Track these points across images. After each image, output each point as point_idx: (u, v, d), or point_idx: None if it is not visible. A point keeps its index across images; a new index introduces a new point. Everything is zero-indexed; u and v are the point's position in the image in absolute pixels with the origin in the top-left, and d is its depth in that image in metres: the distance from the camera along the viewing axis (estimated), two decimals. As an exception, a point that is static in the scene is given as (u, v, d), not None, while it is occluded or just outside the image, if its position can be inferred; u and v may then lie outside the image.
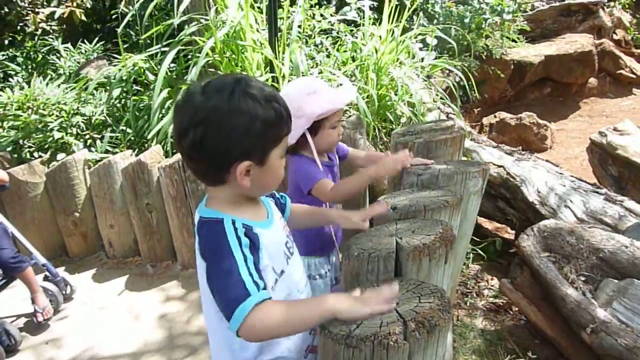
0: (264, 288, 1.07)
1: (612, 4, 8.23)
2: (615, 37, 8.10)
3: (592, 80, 7.65)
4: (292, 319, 1.06)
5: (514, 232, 3.64)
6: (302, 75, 3.34)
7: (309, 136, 1.84)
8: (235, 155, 1.11)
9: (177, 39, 3.73)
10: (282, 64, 3.54)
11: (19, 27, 6.06)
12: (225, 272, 1.07)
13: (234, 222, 1.13)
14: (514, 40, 6.52)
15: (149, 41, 4.08)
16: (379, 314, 1.05)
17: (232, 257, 1.07)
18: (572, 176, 3.31)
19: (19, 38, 6.16)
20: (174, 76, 3.97)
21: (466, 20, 5.58)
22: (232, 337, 1.12)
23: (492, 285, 3.09)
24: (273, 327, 1.05)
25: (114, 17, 5.72)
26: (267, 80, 3.47)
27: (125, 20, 3.99)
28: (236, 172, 1.12)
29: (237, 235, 1.11)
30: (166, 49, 3.75)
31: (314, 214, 1.56)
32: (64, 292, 3.17)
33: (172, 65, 3.96)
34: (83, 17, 5.50)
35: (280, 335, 1.15)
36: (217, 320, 1.17)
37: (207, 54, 3.46)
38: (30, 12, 5.53)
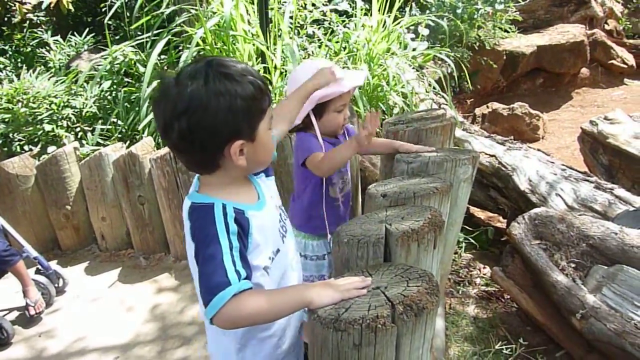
0: (246, 278, 1.08)
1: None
2: (607, 27, 8.14)
3: (584, 71, 7.69)
4: (267, 310, 1.08)
5: (505, 220, 3.67)
6: (294, 66, 3.32)
7: (313, 118, 1.86)
8: (226, 136, 1.11)
9: (166, 29, 3.70)
10: (274, 55, 3.53)
11: (6, 19, 6.00)
12: (209, 258, 1.07)
13: (224, 207, 1.13)
14: (506, 31, 6.53)
15: (139, 33, 4.05)
16: (350, 298, 1.07)
17: (218, 243, 1.08)
18: (562, 165, 3.33)
19: (6, 30, 6.10)
20: (165, 67, 3.94)
21: (458, 11, 5.58)
22: None
23: (484, 274, 3.11)
24: (248, 318, 1.06)
25: (103, 9, 5.67)
26: (259, 70, 3.45)
27: (113, 10, 3.95)
28: (230, 154, 1.12)
29: (225, 222, 1.11)
30: (156, 38, 3.72)
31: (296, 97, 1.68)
32: (56, 285, 3.16)
33: (162, 57, 3.93)
34: (71, 7, 5.43)
35: (253, 324, 1.17)
36: None
37: (197, 45, 3.44)
38: (16, 2, 5.46)
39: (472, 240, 3.34)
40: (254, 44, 3.67)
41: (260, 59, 3.64)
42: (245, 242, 1.15)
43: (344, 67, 3.71)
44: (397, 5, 4.00)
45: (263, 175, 1.35)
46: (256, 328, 1.26)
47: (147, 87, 3.46)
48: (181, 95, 1.08)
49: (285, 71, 3.57)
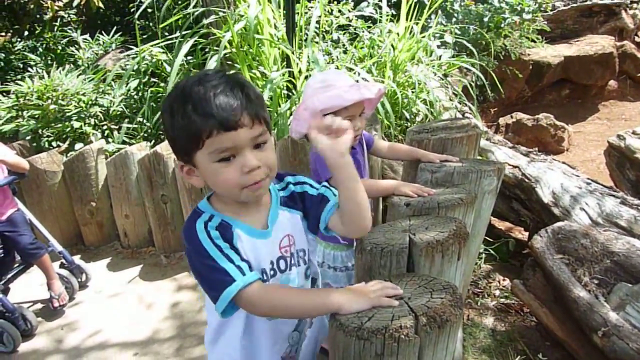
0: (250, 269, 1.09)
1: (635, 5, 8.09)
2: (637, 39, 7.97)
3: (612, 83, 7.54)
4: (290, 301, 1.09)
5: (526, 233, 3.62)
6: (319, 71, 3.34)
7: None
8: (174, 152, 1.15)
9: (193, 30, 3.75)
10: (299, 60, 3.55)
11: (37, 17, 6.15)
12: (205, 267, 1.09)
13: (210, 218, 1.14)
14: (533, 41, 6.45)
15: (167, 33, 4.12)
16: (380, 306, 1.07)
17: (208, 253, 1.09)
18: (588, 178, 3.27)
19: (38, 28, 6.25)
20: (191, 68, 4.00)
21: (485, 19, 5.54)
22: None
23: (503, 286, 3.08)
24: (269, 303, 1.08)
25: (132, 9, 5.77)
26: (283, 74, 3.48)
27: (141, 9, 4.02)
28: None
29: (206, 232, 1.11)
30: (183, 40, 3.77)
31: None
32: (79, 280, 3.22)
33: (189, 57, 3.99)
34: (101, 5, 5.55)
35: (276, 313, 1.14)
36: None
37: (224, 47, 3.47)
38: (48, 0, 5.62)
39: (492, 252, 3.30)
40: (279, 48, 3.70)
41: (285, 63, 3.66)
42: (233, 247, 1.13)
43: (367, 74, 3.72)
44: (425, 14, 3.98)
45: (297, 214, 1.28)
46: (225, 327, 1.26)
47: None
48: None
49: (310, 76, 3.59)
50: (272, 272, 1.20)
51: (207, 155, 1.06)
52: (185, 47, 3.56)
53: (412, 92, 3.67)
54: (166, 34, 4.05)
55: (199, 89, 1.04)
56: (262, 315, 1.16)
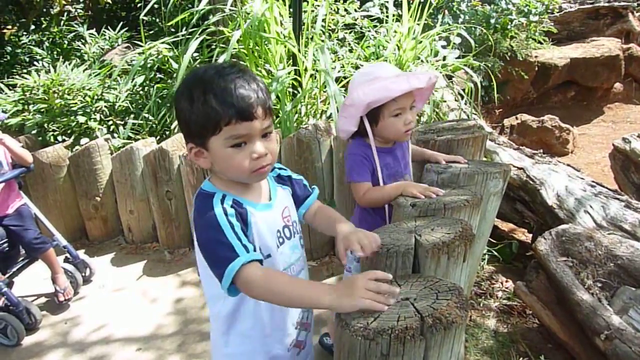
0: (255, 251, 1.15)
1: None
2: (643, 42, 7.96)
3: (618, 86, 7.52)
4: (285, 287, 1.12)
5: (530, 234, 3.62)
6: (325, 70, 3.33)
7: (367, 124, 1.77)
8: (184, 135, 1.24)
9: (201, 27, 3.76)
10: (305, 58, 3.55)
11: (44, 11, 6.15)
12: (212, 240, 1.15)
13: (224, 197, 1.22)
14: (539, 42, 6.43)
15: (173, 29, 4.12)
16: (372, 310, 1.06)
17: (220, 226, 1.15)
18: (592, 181, 3.27)
19: (44, 22, 6.26)
20: (197, 65, 4.00)
21: (492, 20, 5.53)
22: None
23: (506, 288, 3.08)
24: (265, 284, 1.11)
25: (138, 5, 5.78)
26: (289, 73, 3.48)
27: (148, 7, 4.02)
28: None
29: (223, 207, 1.19)
30: (190, 36, 3.77)
31: (327, 220, 1.44)
32: (83, 274, 3.23)
33: (195, 54, 4.00)
34: (108, 0, 5.55)
35: (269, 297, 1.16)
36: (208, 284, 1.28)
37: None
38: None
39: (496, 253, 3.30)
40: (285, 46, 3.70)
41: (291, 60, 3.67)
42: (246, 227, 1.20)
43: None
44: (427, 12, 3.97)
45: (288, 189, 1.44)
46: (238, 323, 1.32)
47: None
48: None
49: (314, 74, 3.59)
50: (281, 240, 1.32)
51: (222, 141, 1.16)
52: (194, 45, 3.56)
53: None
54: (172, 29, 4.05)
55: (220, 80, 1.14)
56: (255, 297, 1.19)
